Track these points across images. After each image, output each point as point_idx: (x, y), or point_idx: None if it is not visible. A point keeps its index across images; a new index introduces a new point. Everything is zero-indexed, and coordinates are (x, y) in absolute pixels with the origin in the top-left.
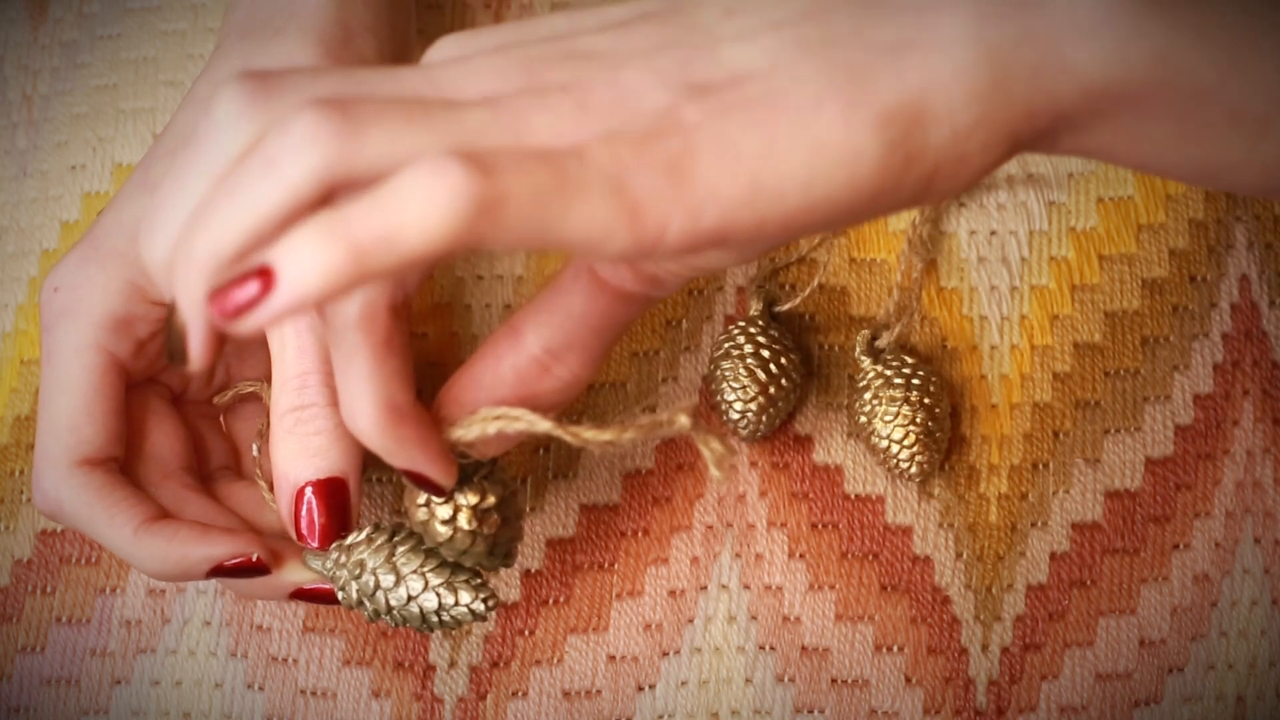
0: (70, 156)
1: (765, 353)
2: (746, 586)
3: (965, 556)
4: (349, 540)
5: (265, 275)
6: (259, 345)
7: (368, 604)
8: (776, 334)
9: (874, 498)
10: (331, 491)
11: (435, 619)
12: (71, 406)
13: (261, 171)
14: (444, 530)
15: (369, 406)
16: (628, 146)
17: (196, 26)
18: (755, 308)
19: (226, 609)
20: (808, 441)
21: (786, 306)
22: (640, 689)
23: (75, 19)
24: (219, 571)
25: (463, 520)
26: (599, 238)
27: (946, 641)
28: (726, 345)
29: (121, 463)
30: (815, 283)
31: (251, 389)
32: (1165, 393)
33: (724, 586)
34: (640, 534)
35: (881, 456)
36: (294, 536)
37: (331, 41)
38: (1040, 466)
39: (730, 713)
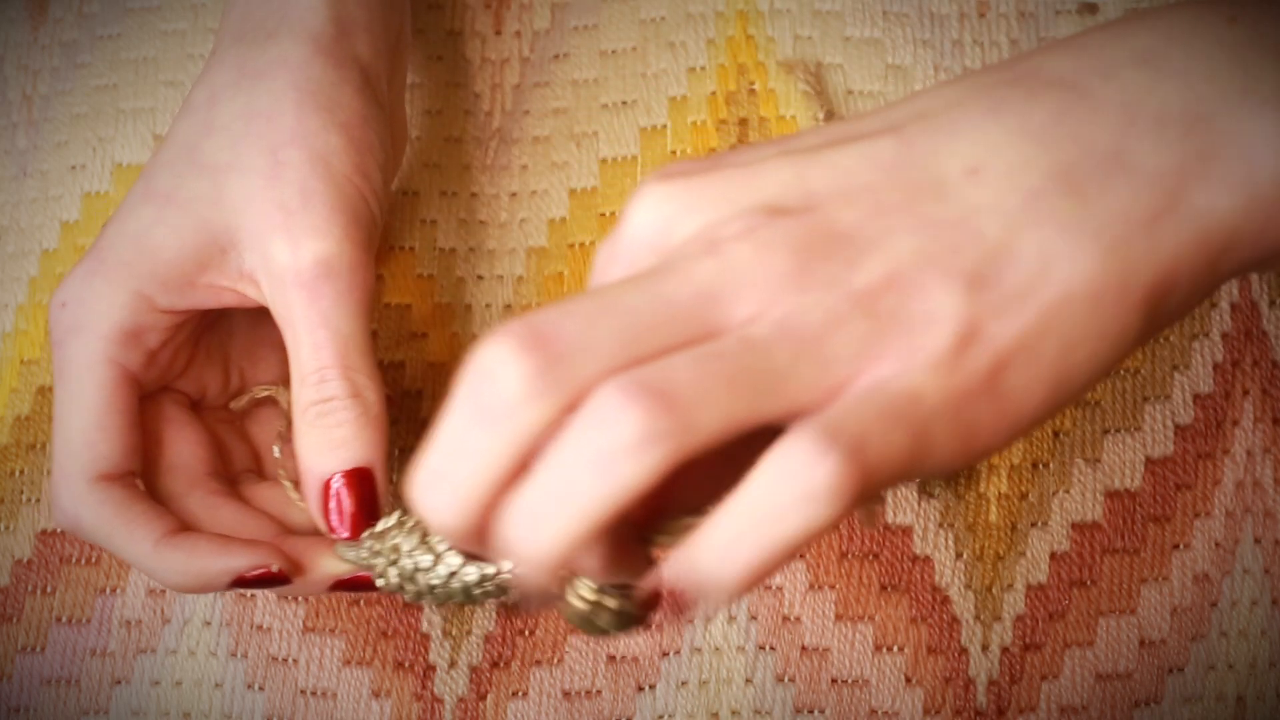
0: (70, 156)
1: None
2: None
3: (965, 556)
4: (380, 527)
5: (678, 598)
6: (270, 349)
7: (408, 587)
8: None
9: None
10: (359, 481)
11: (479, 591)
12: (85, 423)
13: (597, 471)
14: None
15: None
16: (948, 373)
17: (196, 26)
18: None
19: (226, 609)
20: None
21: None
22: (640, 689)
23: (75, 19)
24: (240, 583)
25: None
26: (934, 473)
27: (946, 641)
28: None
29: (142, 474)
30: None
31: (267, 393)
32: (1165, 392)
33: None
34: None
35: None
36: (324, 529)
37: (323, 38)
38: (1040, 466)
39: (730, 713)
